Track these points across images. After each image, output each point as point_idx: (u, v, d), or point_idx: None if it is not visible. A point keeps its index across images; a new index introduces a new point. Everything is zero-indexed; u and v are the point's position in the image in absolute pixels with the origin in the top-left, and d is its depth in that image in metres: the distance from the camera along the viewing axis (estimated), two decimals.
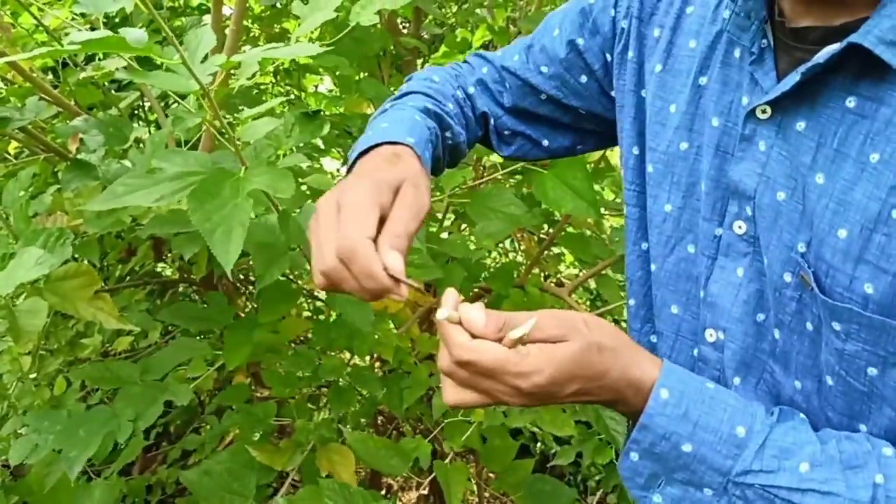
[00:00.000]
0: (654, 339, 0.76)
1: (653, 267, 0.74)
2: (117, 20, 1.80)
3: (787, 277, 0.60)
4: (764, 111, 0.61)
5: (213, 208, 0.89)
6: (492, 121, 0.89)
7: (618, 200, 2.08)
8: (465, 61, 0.91)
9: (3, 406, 1.29)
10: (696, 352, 0.70)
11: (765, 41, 0.62)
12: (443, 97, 0.83)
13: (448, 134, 0.81)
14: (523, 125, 0.89)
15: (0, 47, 1.37)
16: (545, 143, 0.90)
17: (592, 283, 1.93)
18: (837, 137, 0.56)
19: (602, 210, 1.74)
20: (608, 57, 0.80)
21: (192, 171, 0.99)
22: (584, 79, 0.83)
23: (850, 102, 0.56)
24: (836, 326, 0.56)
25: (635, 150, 0.76)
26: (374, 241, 0.59)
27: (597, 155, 1.82)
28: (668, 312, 0.73)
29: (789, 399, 0.63)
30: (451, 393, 0.59)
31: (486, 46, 2.07)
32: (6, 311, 0.98)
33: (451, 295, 0.59)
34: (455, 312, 0.58)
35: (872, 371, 0.55)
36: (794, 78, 0.57)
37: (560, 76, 0.84)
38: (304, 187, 1.50)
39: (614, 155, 2.68)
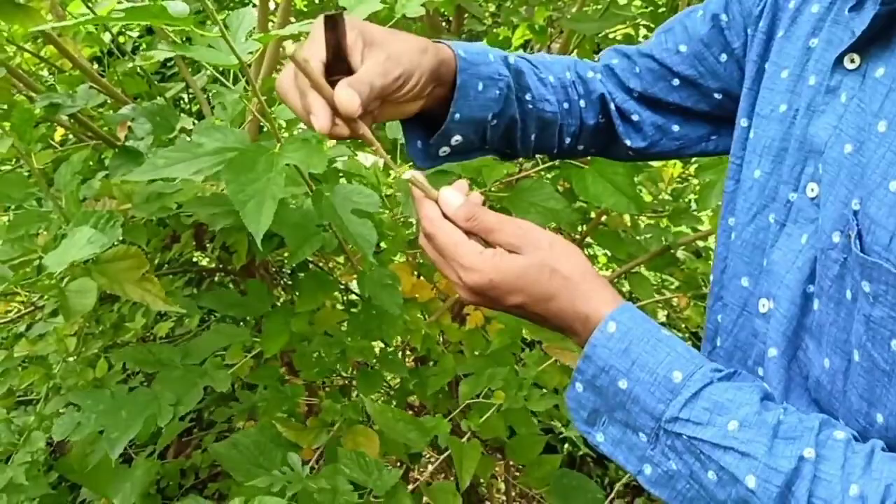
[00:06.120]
0: (720, 318, 0.71)
1: (732, 236, 0.70)
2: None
3: (836, 237, 0.55)
4: (853, 60, 0.58)
5: (248, 181, 0.92)
6: (612, 105, 0.84)
7: (654, 201, 2.06)
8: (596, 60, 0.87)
9: (48, 385, 1.33)
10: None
11: None
12: (545, 68, 0.79)
13: (528, 97, 0.77)
14: (649, 110, 0.84)
15: (52, 33, 1.40)
16: (675, 128, 0.85)
17: (626, 286, 1.92)
18: None
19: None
20: (749, 32, 0.76)
21: (230, 146, 1.01)
22: (723, 57, 0.78)
23: None
24: (866, 287, 0.52)
25: (744, 122, 0.72)
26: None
27: None
28: (737, 284, 0.69)
29: (816, 380, 0.60)
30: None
31: (525, 45, 2.07)
32: (57, 291, 1.01)
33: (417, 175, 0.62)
34: (433, 189, 0.62)
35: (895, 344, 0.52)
36: (879, 12, 0.53)
37: (698, 54, 0.79)
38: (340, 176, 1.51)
39: None
